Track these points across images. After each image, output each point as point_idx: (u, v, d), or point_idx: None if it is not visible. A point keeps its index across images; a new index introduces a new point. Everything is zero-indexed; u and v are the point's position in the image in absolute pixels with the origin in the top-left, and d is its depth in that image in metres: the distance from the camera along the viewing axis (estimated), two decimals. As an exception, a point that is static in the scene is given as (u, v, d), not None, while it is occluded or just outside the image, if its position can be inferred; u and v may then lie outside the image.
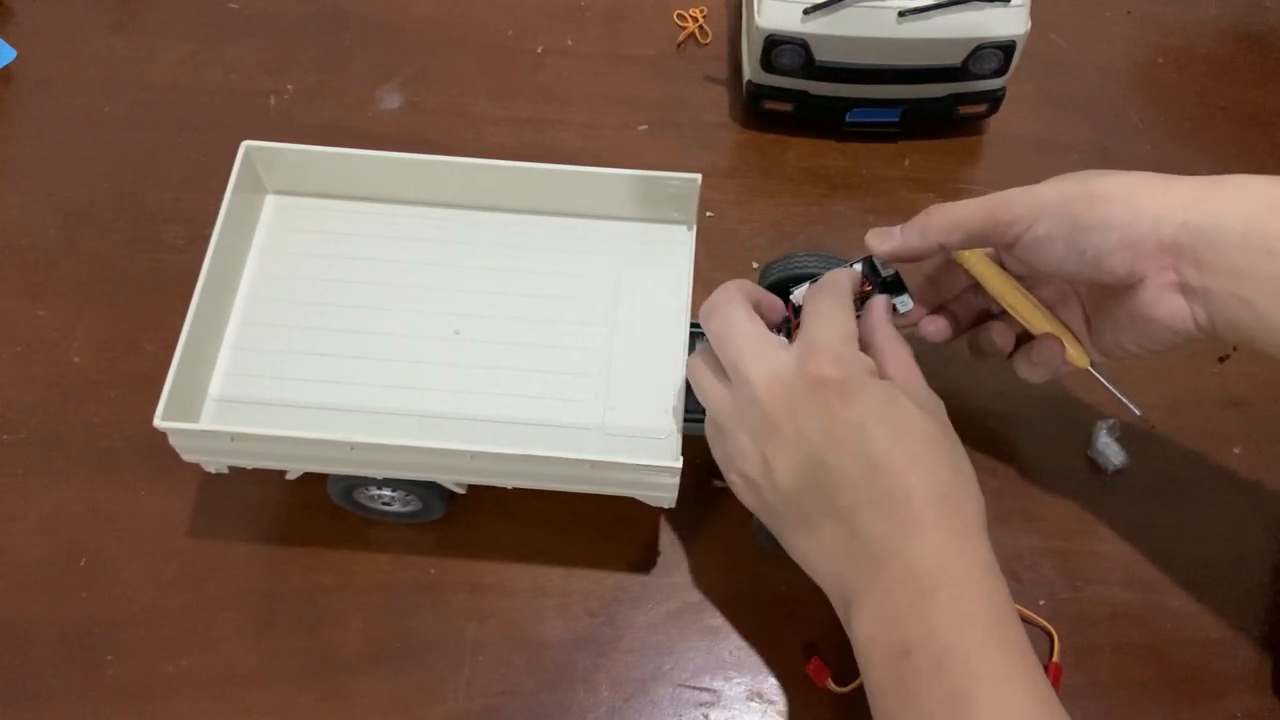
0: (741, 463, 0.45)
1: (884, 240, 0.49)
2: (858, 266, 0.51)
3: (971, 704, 0.38)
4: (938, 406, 0.45)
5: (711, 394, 0.46)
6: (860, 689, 0.51)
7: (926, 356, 0.60)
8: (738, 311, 0.46)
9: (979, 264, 0.50)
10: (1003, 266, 0.50)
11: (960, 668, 0.39)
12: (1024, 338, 0.52)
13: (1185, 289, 0.44)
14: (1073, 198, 0.45)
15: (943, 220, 0.47)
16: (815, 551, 0.44)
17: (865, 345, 0.47)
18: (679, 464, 0.46)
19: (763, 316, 0.47)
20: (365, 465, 0.49)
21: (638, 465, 0.47)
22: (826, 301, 0.46)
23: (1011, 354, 0.52)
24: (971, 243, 0.48)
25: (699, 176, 0.54)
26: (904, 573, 0.41)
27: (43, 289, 0.62)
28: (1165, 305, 0.45)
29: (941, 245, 0.48)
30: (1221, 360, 0.61)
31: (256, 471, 0.51)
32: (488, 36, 0.73)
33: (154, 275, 0.63)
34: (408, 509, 0.54)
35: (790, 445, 0.43)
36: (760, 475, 0.45)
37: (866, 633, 0.42)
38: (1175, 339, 0.46)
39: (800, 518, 0.44)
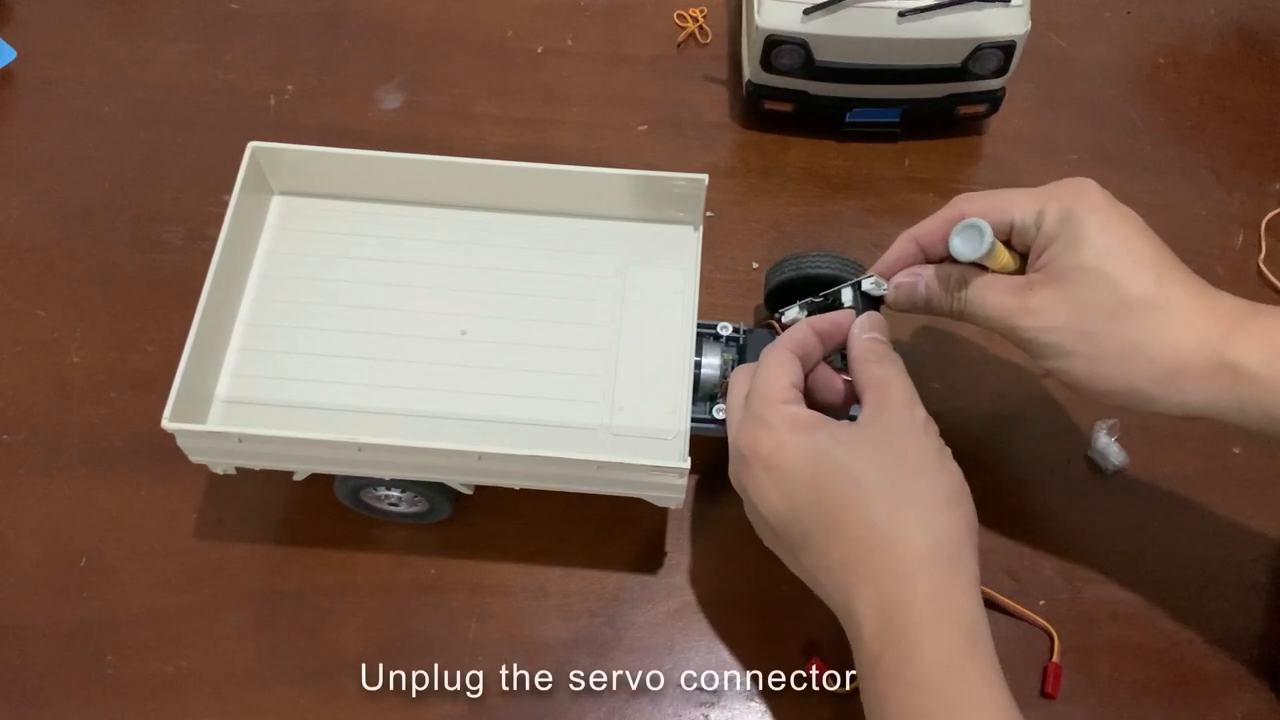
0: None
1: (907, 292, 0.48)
2: (847, 296, 0.50)
3: None
4: (899, 422, 0.43)
5: (730, 410, 0.47)
6: (859, 689, 0.51)
7: (926, 358, 0.61)
8: (780, 357, 0.46)
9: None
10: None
11: None
12: None
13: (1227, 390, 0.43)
14: (1099, 314, 0.43)
15: (955, 315, 0.47)
16: (822, 598, 0.45)
17: (851, 371, 0.46)
18: (687, 464, 0.46)
19: (830, 339, 0.48)
20: (373, 466, 0.49)
21: (645, 466, 0.47)
22: (769, 360, 0.46)
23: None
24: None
25: (705, 177, 0.54)
26: (857, 635, 0.41)
27: (43, 289, 0.62)
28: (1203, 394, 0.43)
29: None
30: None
31: (257, 472, 0.51)
32: (488, 36, 0.73)
33: (154, 275, 0.63)
34: (414, 510, 0.54)
35: (752, 510, 0.45)
36: (750, 515, 0.46)
37: (862, 700, 0.42)
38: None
39: (793, 570, 0.45)
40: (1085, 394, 0.45)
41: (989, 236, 0.44)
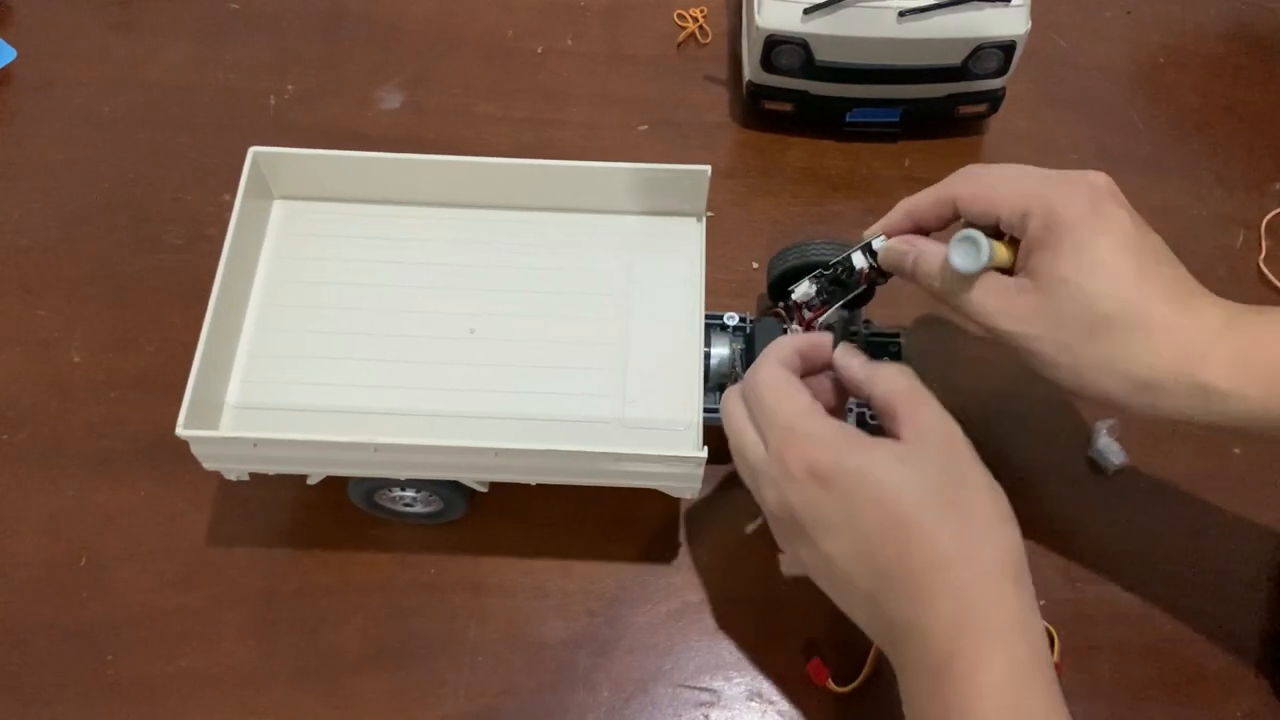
0: (770, 523, 0.46)
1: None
2: (858, 260, 0.51)
3: None
4: (943, 439, 0.42)
5: (739, 433, 0.46)
6: (859, 688, 0.51)
7: (925, 357, 0.61)
8: (780, 373, 0.45)
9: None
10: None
11: None
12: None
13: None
14: (1074, 321, 0.43)
15: (940, 299, 0.47)
16: (858, 621, 0.44)
17: (867, 395, 0.45)
18: (704, 454, 0.46)
19: (809, 360, 0.47)
20: (388, 466, 0.49)
21: (662, 456, 0.47)
22: (770, 377, 0.44)
23: None
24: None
25: (708, 169, 0.54)
26: (921, 648, 0.40)
27: (43, 289, 0.62)
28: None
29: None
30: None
31: (260, 473, 0.51)
32: (488, 36, 0.73)
33: (154, 275, 0.63)
34: (429, 509, 0.54)
35: (796, 532, 0.43)
36: (784, 544, 0.45)
37: (905, 709, 0.42)
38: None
39: (834, 591, 0.44)
40: (1062, 389, 0.46)
41: (985, 254, 0.44)
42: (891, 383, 0.44)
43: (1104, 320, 0.43)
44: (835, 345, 0.47)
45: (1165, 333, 0.43)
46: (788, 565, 0.46)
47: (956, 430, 0.43)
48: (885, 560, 0.41)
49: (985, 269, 0.45)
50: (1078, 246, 0.43)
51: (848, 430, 0.43)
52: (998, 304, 0.45)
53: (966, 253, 0.45)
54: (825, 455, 0.41)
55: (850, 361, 0.46)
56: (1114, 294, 0.43)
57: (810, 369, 0.47)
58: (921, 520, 0.40)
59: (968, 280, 0.46)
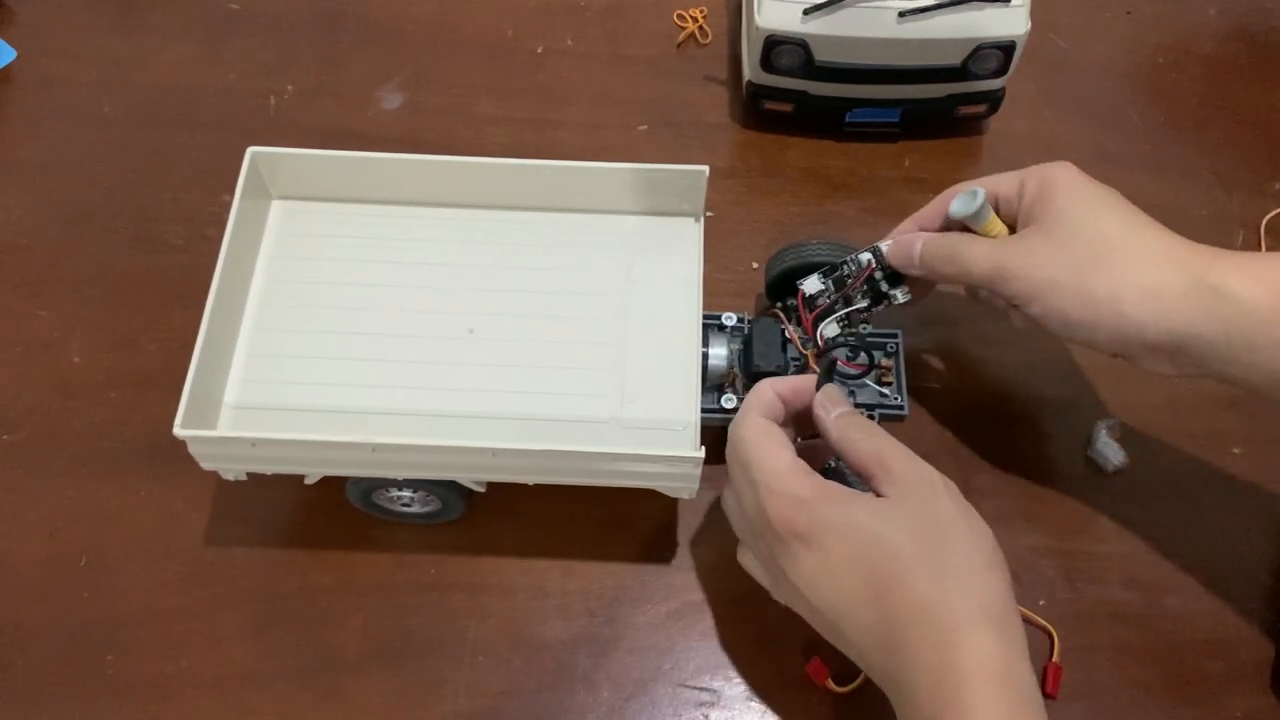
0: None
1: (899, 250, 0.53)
2: (865, 258, 0.53)
3: None
4: (921, 490, 0.43)
5: (736, 489, 0.47)
6: (859, 688, 0.51)
7: (927, 358, 0.61)
8: (765, 426, 0.45)
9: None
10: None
11: None
12: None
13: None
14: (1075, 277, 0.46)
15: (947, 269, 0.50)
16: (858, 664, 0.44)
17: (839, 454, 0.46)
18: (701, 454, 0.47)
19: (791, 403, 0.47)
20: (386, 466, 0.49)
21: (661, 456, 0.47)
22: (750, 433, 0.45)
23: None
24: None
25: (706, 169, 0.54)
26: (909, 702, 0.41)
27: (43, 289, 0.62)
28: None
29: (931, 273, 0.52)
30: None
31: (258, 473, 0.51)
32: (488, 36, 0.73)
33: (154, 275, 0.63)
34: (427, 509, 0.54)
35: (788, 587, 0.44)
36: (778, 595, 0.47)
37: None
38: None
39: (829, 637, 0.44)
40: (1075, 334, 0.47)
41: (982, 195, 0.49)
42: (857, 446, 0.45)
43: (1106, 236, 0.46)
44: (820, 384, 0.47)
45: (1166, 251, 0.46)
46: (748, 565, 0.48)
47: (934, 479, 0.43)
48: (867, 616, 0.41)
49: (981, 210, 0.49)
50: (1072, 191, 0.48)
51: (827, 488, 0.43)
52: (1000, 247, 0.48)
53: (965, 199, 0.50)
54: (803, 516, 0.42)
55: (826, 419, 0.46)
56: (1113, 221, 0.47)
57: (794, 411, 0.48)
58: (898, 576, 0.41)
59: (969, 243, 0.49)
